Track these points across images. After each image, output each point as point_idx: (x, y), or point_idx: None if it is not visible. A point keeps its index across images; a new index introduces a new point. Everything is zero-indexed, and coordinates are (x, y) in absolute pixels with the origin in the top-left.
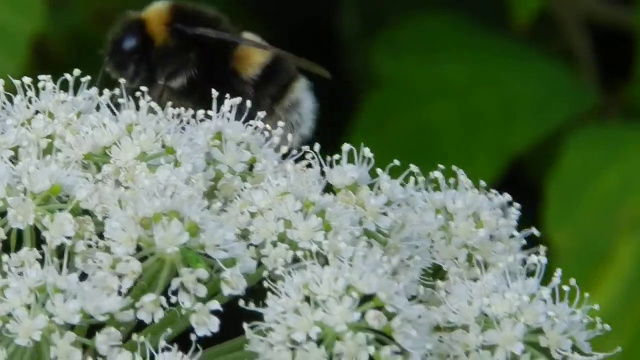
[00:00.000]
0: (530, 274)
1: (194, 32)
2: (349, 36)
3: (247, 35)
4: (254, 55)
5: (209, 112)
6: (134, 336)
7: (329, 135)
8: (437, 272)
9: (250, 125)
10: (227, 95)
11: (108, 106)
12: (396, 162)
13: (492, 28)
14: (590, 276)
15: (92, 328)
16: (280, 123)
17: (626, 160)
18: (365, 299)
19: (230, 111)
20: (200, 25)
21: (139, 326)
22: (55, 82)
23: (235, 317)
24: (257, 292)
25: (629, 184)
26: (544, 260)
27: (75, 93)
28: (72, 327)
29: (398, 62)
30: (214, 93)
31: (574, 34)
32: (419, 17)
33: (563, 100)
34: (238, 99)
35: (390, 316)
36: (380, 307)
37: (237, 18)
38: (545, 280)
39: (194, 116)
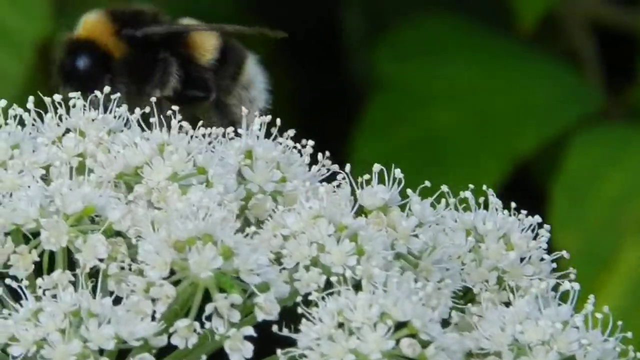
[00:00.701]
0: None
1: (145, 33)
2: (353, 39)
3: (189, 21)
4: (207, 40)
5: (239, 130)
6: None
7: (333, 138)
8: (466, 294)
9: (280, 144)
10: (257, 113)
11: (138, 124)
12: (427, 184)
13: (495, 29)
14: (596, 279)
15: (120, 352)
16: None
17: (631, 161)
18: (399, 326)
19: (260, 129)
20: (143, 25)
21: (165, 349)
22: (85, 98)
23: (267, 342)
24: (290, 316)
25: (634, 185)
26: (577, 286)
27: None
28: (101, 352)
29: (402, 65)
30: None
31: (578, 36)
32: (422, 20)
33: (569, 102)
34: (268, 117)
35: (424, 344)
36: (414, 335)
37: (239, 20)
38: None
39: (223, 134)
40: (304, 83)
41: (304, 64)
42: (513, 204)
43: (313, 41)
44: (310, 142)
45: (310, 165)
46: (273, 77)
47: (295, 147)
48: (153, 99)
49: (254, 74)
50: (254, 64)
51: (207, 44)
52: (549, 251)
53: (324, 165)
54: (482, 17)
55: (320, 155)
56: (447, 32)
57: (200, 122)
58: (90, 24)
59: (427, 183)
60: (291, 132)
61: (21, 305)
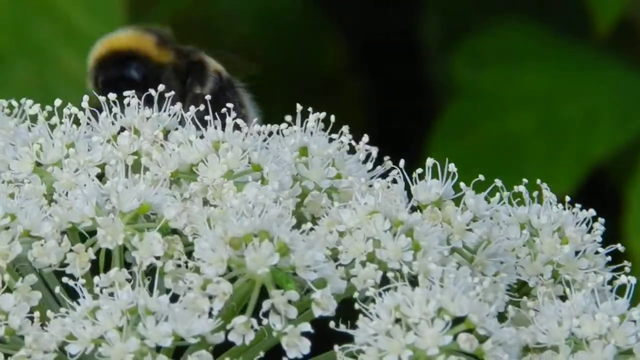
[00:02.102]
0: (616, 289)
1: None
2: (431, 46)
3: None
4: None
5: (294, 128)
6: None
7: (409, 145)
8: (521, 288)
9: (335, 140)
10: (310, 109)
11: (193, 121)
12: (481, 177)
13: (572, 35)
14: None
15: (177, 349)
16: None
17: None
18: (457, 321)
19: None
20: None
21: (223, 346)
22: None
23: (324, 338)
24: (346, 312)
25: None
26: (633, 280)
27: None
28: (158, 349)
29: (478, 72)
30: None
31: None
32: (498, 27)
33: None
34: (323, 114)
35: (481, 339)
36: (471, 330)
37: (318, 29)
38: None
39: (278, 132)
40: (382, 89)
41: (383, 70)
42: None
43: (391, 48)
44: (365, 139)
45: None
46: (352, 83)
47: (350, 144)
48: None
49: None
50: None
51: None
52: (627, 257)
53: (380, 164)
54: (559, 22)
55: (384, 157)
56: (523, 39)
57: (255, 119)
58: (127, 38)
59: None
60: (345, 129)
61: (78, 303)
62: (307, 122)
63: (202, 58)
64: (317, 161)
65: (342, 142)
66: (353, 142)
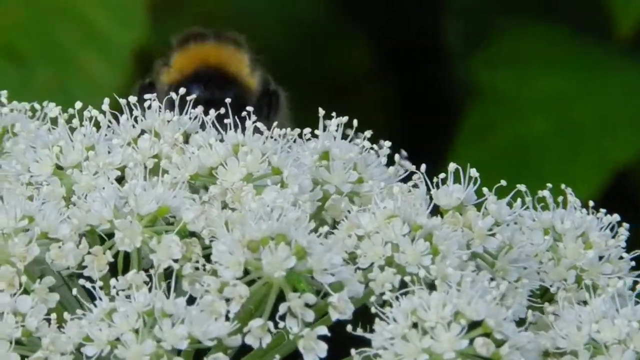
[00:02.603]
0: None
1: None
2: (453, 48)
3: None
4: None
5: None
6: None
7: (432, 148)
8: (544, 294)
9: (357, 144)
10: (334, 114)
11: (213, 125)
12: (503, 182)
13: (592, 37)
14: None
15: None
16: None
17: None
18: (473, 325)
19: (337, 130)
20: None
21: (241, 351)
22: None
23: (340, 341)
24: (363, 316)
25: None
26: None
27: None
28: (178, 352)
29: (499, 74)
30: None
31: None
32: (519, 30)
33: None
34: (345, 118)
35: (498, 343)
36: (488, 334)
37: (341, 32)
38: None
39: (300, 135)
40: (404, 91)
41: (405, 73)
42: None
43: (414, 51)
44: (387, 143)
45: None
46: (374, 86)
47: (372, 149)
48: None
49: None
50: None
51: None
52: None
53: (401, 166)
54: (581, 24)
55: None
56: (544, 42)
57: (275, 123)
58: (220, 52)
59: (522, 187)
60: (368, 134)
61: (95, 305)
62: (328, 125)
63: (277, 89)
64: (339, 165)
65: (364, 146)
66: (375, 146)
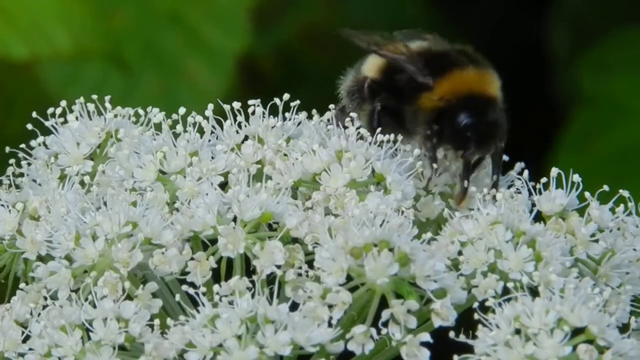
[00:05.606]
0: None
1: None
2: (559, 56)
3: None
4: None
5: None
6: None
7: (536, 155)
8: None
9: None
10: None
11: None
12: (605, 188)
13: None
14: None
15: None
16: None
17: None
18: (576, 331)
19: None
20: None
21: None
22: (264, 105)
23: (442, 348)
24: (466, 322)
25: None
26: None
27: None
28: (281, 358)
29: (605, 81)
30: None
31: None
32: (624, 35)
33: None
34: None
35: (601, 350)
36: (591, 341)
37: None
38: None
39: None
40: (508, 98)
41: (509, 79)
42: None
43: (518, 57)
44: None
45: None
46: None
47: None
48: None
49: None
50: None
51: None
52: None
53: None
54: None
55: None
56: None
57: (379, 129)
58: (475, 78)
59: (626, 193)
60: None
61: (198, 311)
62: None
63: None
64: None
65: None
66: None
